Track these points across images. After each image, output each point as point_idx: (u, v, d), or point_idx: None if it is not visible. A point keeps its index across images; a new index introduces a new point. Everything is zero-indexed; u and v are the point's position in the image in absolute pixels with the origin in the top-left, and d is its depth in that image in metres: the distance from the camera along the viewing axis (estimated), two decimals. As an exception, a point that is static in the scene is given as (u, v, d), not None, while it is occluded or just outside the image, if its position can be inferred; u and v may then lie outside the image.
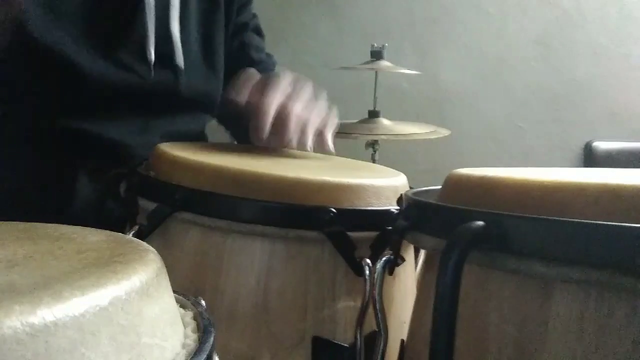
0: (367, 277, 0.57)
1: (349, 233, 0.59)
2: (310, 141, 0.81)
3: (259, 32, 1.13)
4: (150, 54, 0.89)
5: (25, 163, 0.88)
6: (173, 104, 0.96)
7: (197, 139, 1.02)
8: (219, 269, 0.60)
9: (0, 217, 0.40)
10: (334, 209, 0.58)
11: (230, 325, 0.59)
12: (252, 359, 0.59)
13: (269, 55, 1.15)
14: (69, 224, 0.39)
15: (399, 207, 0.61)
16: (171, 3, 0.92)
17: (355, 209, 0.61)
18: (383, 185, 0.65)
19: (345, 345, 0.59)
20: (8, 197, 0.85)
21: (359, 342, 0.57)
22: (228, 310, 0.59)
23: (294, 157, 0.82)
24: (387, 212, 0.61)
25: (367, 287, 0.57)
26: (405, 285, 0.66)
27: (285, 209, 0.59)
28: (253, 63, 1.08)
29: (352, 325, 0.58)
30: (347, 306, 0.60)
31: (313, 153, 0.83)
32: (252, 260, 0.60)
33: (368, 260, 0.58)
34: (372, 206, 0.63)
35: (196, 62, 0.98)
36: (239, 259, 0.60)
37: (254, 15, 1.14)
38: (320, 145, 0.83)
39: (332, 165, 0.81)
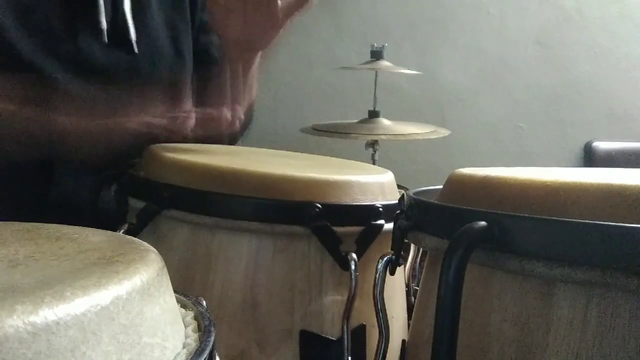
0: (352, 271, 0.58)
1: (335, 228, 0.59)
2: None
3: None
4: (102, 23, 0.88)
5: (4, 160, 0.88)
6: (139, 84, 0.95)
7: None
8: (207, 265, 0.61)
9: None
10: (320, 204, 0.59)
11: (219, 320, 0.59)
12: (241, 353, 0.59)
13: None
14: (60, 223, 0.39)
15: (383, 203, 0.62)
16: None
17: (340, 204, 0.62)
18: (369, 181, 0.66)
19: (333, 338, 0.60)
20: None
21: (346, 336, 0.57)
22: (217, 305, 0.60)
23: (281, 156, 0.83)
24: (372, 207, 0.62)
25: (353, 281, 0.58)
26: (394, 281, 0.66)
27: (272, 205, 0.60)
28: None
29: (339, 319, 0.58)
30: (334, 300, 0.61)
31: (300, 153, 0.84)
32: (240, 256, 0.60)
33: (354, 255, 0.59)
34: (358, 202, 0.63)
35: (163, 47, 0.98)
36: (227, 255, 0.61)
37: None
38: None
39: (318, 163, 0.82)
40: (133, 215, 0.65)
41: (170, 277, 0.35)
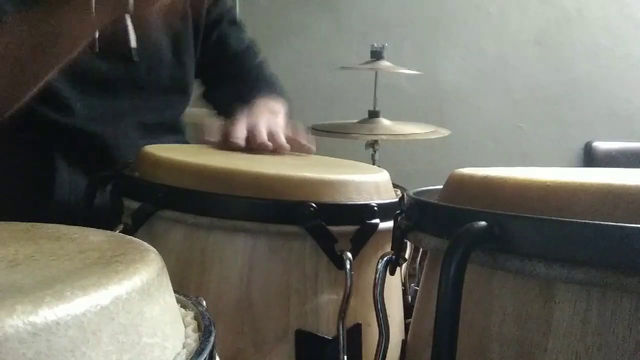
0: (347, 271, 0.58)
1: (330, 227, 0.59)
2: (282, 139, 0.85)
3: (235, 22, 1.15)
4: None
5: (3, 157, 0.89)
6: (140, 89, 0.97)
7: (173, 127, 1.04)
8: (202, 265, 0.61)
9: None
10: (315, 203, 0.59)
11: (214, 320, 0.59)
12: (237, 353, 0.59)
13: (252, 42, 1.16)
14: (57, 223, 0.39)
15: (378, 202, 0.62)
16: None
17: (334, 203, 0.62)
18: (363, 180, 0.66)
19: (329, 337, 0.60)
20: None
21: (341, 335, 0.57)
22: (212, 305, 0.59)
23: (275, 155, 0.84)
24: (367, 206, 0.62)
25: (348, 280, 0.58)
26: (390, 281, 0.66)
27: (267, 205, 0.60)
28: (235, 53, 1.11)
29: (335, 318, 0.59)
30: (330, 299, 0.61)
31: (294, 152, 0.85)
32: (235, 256, 0.60)
33: (349, 254, 0.59)
34: (353, 201, 0.63)
35: (164, 52, 0.99)
36: (222, 255, 0.61)
37: (229, 9, 1.15)
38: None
39: (313, 162, 0.82)
40: (128, 216, 0.65)
41: (166, 278, 0.35)
